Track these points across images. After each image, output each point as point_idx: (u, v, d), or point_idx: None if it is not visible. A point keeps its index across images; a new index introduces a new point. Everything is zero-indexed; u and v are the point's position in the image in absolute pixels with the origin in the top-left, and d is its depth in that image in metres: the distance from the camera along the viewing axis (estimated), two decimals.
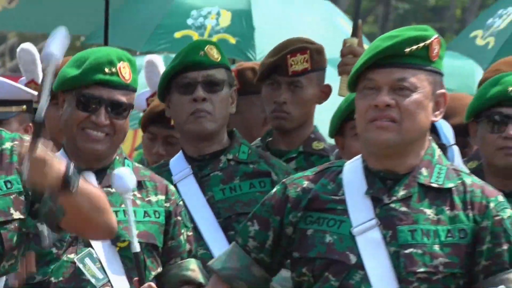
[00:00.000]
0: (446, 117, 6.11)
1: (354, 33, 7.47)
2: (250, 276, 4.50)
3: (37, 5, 13.44)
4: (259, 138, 7.57)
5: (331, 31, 12.96)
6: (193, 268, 5.46)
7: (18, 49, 9.48)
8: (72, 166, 4.41)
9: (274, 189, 4.73)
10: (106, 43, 10.55)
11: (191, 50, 6.54)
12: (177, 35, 12.85)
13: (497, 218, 4.38)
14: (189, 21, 12.82)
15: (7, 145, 4.81)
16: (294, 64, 6.86)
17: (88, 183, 4.62)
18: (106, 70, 5.33)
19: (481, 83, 7.09)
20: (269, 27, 12.35)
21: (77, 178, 4.43)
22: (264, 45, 11.06)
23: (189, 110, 6.16)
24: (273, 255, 4.48)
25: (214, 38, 12.88)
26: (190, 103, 6.16)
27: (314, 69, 7.07)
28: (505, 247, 4.35)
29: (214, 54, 6.40)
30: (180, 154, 6.15)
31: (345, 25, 13.82)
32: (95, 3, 10.95)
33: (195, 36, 13.08)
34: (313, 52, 7.18)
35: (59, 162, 4.37)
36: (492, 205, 4.38)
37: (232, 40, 13.10)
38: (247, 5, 12.74)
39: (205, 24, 12.73)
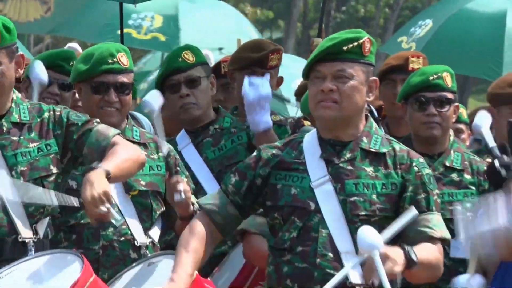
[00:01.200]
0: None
1: (319, 35, 8.32)
2: (226, 212, 5.08)
3: (68, 13, 14.67)
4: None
5: (242, 36, 13.62)
6: (193, 202, 5.92)
7: (66, 47, 10.23)
8: None
9: (253, 153, 5.38)
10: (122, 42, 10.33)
11: (172, 59, 7.35)
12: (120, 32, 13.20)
13: (418, 173, 5.11)
14: (130, 22, 14.20)
15: (46, 115, 5.47)
16: (271, 60, 7.67)
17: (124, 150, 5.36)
18: (109, 61, 6.06)
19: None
20: (192, 29, 13.87)
21: None
22: (187, 42, 11.00)
23: (179, 105, 6.96)
24: (245, 199, 5.09)
25: (148, 36, 14.70)
26: (178, 99, 6.94)
27: (279, 65, 7.94)
28: (423, 195, 5.06)
29: (189, 57, 7.09)
30: (182, 130, 6.93)
31: (252, 31, 15.56)
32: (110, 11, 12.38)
33: (134, 34, 14.50)
34: (282, 53, 8.10)
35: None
36: (414, 164, 5.11)
37: (162, 38, 14.80)
38: (175, 12, 14.43)
39: (142, 24, 14.26)
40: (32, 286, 5.00)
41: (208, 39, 13.58)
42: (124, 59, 6.38)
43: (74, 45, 7.83)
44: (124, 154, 5.24)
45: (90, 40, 15.23)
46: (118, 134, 5.46)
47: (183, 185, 5.75)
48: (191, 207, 5.92)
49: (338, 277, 4.75)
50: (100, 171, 4.95)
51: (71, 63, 7.12)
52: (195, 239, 5.00)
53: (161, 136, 6.24)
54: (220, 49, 14.75)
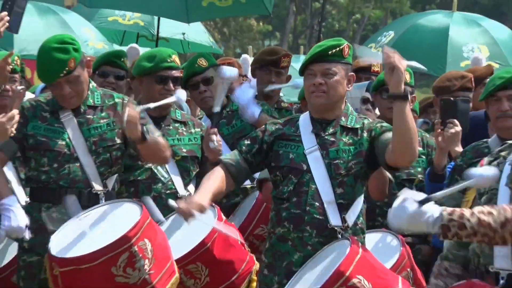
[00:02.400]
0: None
1: (318, 41, 8.21)
2: (239, 166, 5.05)
3: None
4: None
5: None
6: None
7: (127, 47, 9.59)
8: (145, 127, 5.30)
9: (262, 126, 5.40)
10: (157, 35, 10.18)
11: (190, 65, 7.09)
12: (109, 19, 13.19)
13: (377, 125, 5.08)
14: (116, 11, 12.89)
15: (117, 100, 5.59)
16: (283, 62, 7.40)
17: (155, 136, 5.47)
18: (168, 60, 6.10)
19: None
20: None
21: (148, 133, 5.33)
22: (161, 27, 10.21)
23: (199, 98, 6.97)
24: (254, 158, 5.08)
25: (131, 22, 13.23)
26: (198, 94, 6.94)
27: (289, 66, 7.63)
28: (383, 128, 5.01)
29: (203, 63, 6.90)
30: (204, 115, 6.97)
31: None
32: None
33: (120, 20, 13.34)
34: (291, 57, 7.87)
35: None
36: (373, 125, 5.08)
37: (141, 23, 13.47)
38: None
39: (126, 13, 12.83)
40: (103, 226, 5.09)
41: (177, 26, 12.31)
42: (177, 60, 6.42)
43: (134, 45, 7.57)
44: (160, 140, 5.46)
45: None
46: (158, 135, 5.60)
47: (216, 137, 5.77)
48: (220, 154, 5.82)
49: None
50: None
51: (122, 59, 7.18)
52: (215, 177, 5.00)
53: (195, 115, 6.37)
54: (183, 33, 13.75)
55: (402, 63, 4.73)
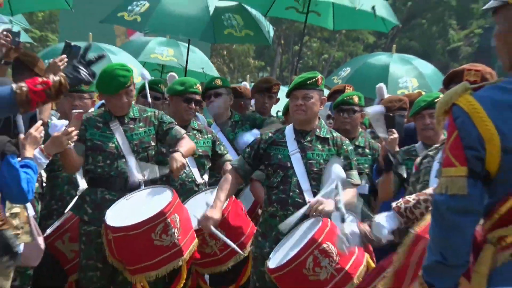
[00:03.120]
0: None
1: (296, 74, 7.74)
2: (244, 168, 5.00)
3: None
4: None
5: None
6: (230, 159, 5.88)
7: (168, 75, 8.80)
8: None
9: (259, 137, 5.39)
10: (186, 68, 9.71)
11: (209, 82, 6.94)
12: (151, 56, 11.71)
13: (345, 149, 5.06)
14: (129, 7, 10.42)
15: (149, 114, 5.46)
16: (274, 89, 7.21)
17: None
18: (194, 87, 5.93)
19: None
20: (162, 17, 9.20)
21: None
22: (154, 25, 9.25)
23: None
24: (253, 160, 5.02)
25: (168, 58, 11.25)
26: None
27: (278, 91, 7.41)
28: (347, 161, 4.98)
29: (218, 82, 6.77)
30: (214, 123, 6.67)
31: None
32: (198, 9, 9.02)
33: (159, 57, 11.58)
34: (280, 85, 7.61)
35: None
36: (343, 144, 5.06)
37: (175, 60, 11.81)
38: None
39: (134, 9, 10.21)
40: (144, 204, 5.09)
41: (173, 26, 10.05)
42: (199, 87, 6.23)
43: (173, 74, 7.33)
44: (188, 144, 5.34)
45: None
46: (185, 133, 5.55)
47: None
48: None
49: (300, 211, 4.62)
50: (178, 153, 5.07)
51: (159, 85, 7.08)
52: (227, 183, 4.98)
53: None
54: (202, 68, 12.14)
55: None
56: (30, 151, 3.53)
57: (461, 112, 2.13)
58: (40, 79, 3.46)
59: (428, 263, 2.23)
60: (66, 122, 4.94)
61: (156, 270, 4.93)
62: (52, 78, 3.44)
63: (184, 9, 8.21)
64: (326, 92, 7.03)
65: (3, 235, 3.97)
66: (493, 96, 2.14)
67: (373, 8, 7.26)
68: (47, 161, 4.48)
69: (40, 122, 3.76)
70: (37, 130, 3.70)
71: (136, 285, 5.02)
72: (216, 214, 4.85)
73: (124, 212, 5.04)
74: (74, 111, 4.79)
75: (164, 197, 5.07)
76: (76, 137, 4.72)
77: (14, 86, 3.39)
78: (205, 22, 8.02)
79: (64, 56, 4.86)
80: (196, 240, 5.11)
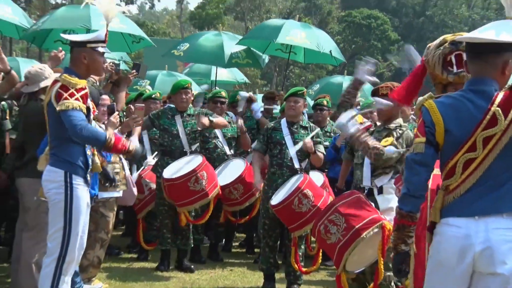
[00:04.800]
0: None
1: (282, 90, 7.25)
2: (262, 148, 4.74)
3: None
4: None
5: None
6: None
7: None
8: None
9: (265, 126, 5.05)
10: (215, 80, 8.51)
11: (216, 92, 6.01)
12: (172, 51, 8.86)
13: (316, 135, 4.75)
14: (178, 47, 8.66)
15: (196, 112, 5.13)
16: (277, 98, 6.35)
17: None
18: (219, 93, 5.70)
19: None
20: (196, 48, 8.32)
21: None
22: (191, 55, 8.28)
23: (216, 111, 5.65)
24: (265, 142, 4.73)
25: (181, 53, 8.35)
26: (216, 107, 5.73)
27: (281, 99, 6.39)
28: (317, 140, 4.70)
29: (222, 93, 5.91)
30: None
31: None
32: None
33: (175, 52, 8.38)
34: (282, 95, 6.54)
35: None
36: (316, 134, 4.74)
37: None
38: None
39: (180, 48, 8.52)
40: (187, 164, 4.95)
41: (202, 57, 8.46)
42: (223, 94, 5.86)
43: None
44: (220, 119, 5.13)
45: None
46: (219, 116, 5.29)
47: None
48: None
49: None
50: (206, 118, 4.94)
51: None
52: (259, 157, 4.82)
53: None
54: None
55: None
56: (111, 131, 3.35)
57: (424, 109, 2.12)
58: (122, 142, 3.22)
59: (401, 195, 2.18)
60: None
61: (192, 205, 4.87)
62: (129, 146, 3.26)
63: (208, 48, 7.94)
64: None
65: (104, 169, 3.90)
66: (443, 101, 2.12)
67: (330, 51, 7.26)
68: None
69: (116, 112, 3.63)
70: (114, 117, 3.53)
71: (181, 214, 4.91)
72: (258, 178, 4.76)
73: (174, 169, 4.88)
74: (137, 105, 4.46)
75: (197, 161, 4.93)
76: (140, 122, 4.33)
77: (107, 134, 3.15)
78: (221, 55, 7.77)
79: (134, 71, 4.83)
80: (218, 187, 4.96)
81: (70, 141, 3.13)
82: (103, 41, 3.26)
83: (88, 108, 3.16)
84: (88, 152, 3.24)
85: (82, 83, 3.12)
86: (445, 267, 2.05)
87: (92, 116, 3.28)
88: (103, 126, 3.86)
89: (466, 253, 2.00)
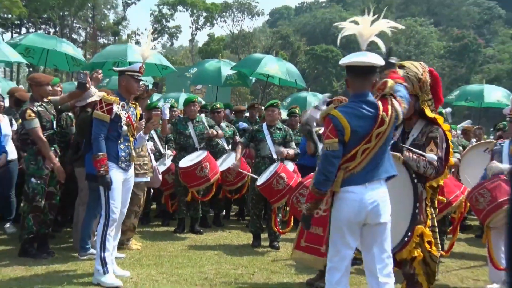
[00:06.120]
0: None
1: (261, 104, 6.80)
2: (246, 142, 4.55)
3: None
4: None
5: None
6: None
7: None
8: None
9: (250, 129, 4.75)
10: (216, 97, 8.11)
11: (213, 105, 5.68)
12: (185, 73, 8.81)
13: (289, 132, 4.49)
14: (189, 70, 8.68)
15: (202, 119, 4.88)
16: (256, 107, 6.25)
17: None
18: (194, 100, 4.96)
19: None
20: (201, 72, 8.13)
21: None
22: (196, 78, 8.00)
23: (217, 120, 5.48)
24: (250, 138, 4.51)
25: (191, 75, 8.20)
26: (214, 116, 5.48)
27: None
28: (289, 139, 4.49)
29: (218, 105, 5.66)
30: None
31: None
32: None
33: (187, 74, 8.43)
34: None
35: None
36: (287, 130, 4.53)
37: (202, 97, 9.65)
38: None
39: (190, 72, 8.48)
40: (196, 157, 4.72)
41: (204, 79, 8.22)
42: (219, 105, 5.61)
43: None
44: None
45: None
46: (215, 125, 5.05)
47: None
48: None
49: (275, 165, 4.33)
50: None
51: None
52: (239, 149, 4.56)
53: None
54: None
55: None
56: (138, 133, 3.41)
57: (333, 117, 2.09)
58: (101, 164, 3.04)
59: (318, 180, 2.10)
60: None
61: (199, 186, 4.72)
62: (101, 171, 3.07)
63: (210, 71, 7.82)
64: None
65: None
66: (345, 110, 2.10)
67: (295, 80, 7.14)
68: (146, 137, 4.00)
69: (143, 120, 3.51)
70: (139, 124, 3.44)
71: (190, 193, 4.76)
72: (238, 162, 4.56)
73: (186, 161, 4.73)
74: (154, 112, 4.16)
75: (203, 155, 4.75)
76: (156, 124, 4.05)
77: (100, 151, 3.01)
78: (218, 77, 7.67)
79: (155, 88, 4.59)
80: (218, 174, 4.76)
81: (107, 139, 3.13)
82: (138, 72, 3.28)
83: (118, 116, 3.15)
84: (122, 146, 3.19)
85: (110, 100, 3.15)
86: (345, 222, 2.08)
87: (124, 122, 3.20)
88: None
89: (362, 210, 2.06)
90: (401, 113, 2.13)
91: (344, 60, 2.10)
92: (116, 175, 3.14)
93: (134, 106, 3.38)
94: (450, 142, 2.51)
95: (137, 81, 3.28)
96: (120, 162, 3.17)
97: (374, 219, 2.07)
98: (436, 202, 2.56)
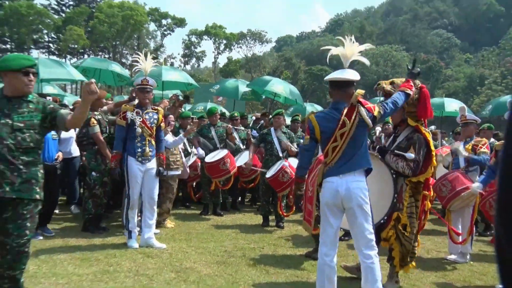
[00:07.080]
0: None
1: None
2: (258, 142, 4.22)
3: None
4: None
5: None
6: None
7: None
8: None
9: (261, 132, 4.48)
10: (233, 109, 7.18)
11: (211, 109, 4.98)
12: (209, 89, 8.37)
13: (292, 136, 4.25)
14: (213, 86, 7.99)
15: (224, 125, 4.69)
16: (267, 115, 5.95)
17: None
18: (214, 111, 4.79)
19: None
20: (222, 88, 7.63)
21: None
22: (218, 92, 7.60)
23: (214, 122, 4.86)
24: (261, 139, 4.26)
25: (214, 90, 7.73)
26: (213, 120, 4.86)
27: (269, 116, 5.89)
28: (291, 141, 4.18)
29: (215, 110, 4.94)
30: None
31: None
32: None
33: (211, 89, 7.85)
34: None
35: None
36: (290, 133, 4.27)
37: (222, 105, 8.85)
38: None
39: (214, 87, 7.88)
40: (218, 154, 4.53)
41: (226, 93, 7.62)
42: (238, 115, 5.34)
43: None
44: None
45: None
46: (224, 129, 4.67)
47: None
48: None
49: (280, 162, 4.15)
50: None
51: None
52: (252, 149, 4.38)
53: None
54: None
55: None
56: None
57: (309, 120, 2.15)
58: (112, 159, 3.13)
59: (297, 167, 2.25)
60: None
61: (221, 178, 4.55)
62: (111, 164, 3.18)
63: (229, 88, 7.61)
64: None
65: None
66: (319, 115, 2.13)
67: (295, 99, 7.00)
68: (184, 139, 3.90)
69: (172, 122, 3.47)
70: (170, 126, 3.43)
71: (213, 183, 4.60)
72: (251, 161, 4.41)
73: (211, 157, 4.58)
74: (196, 121, 3.92)
75: (224, 153, 4.59)
76: (194, 128, 3.91)
77: (113, 153, 3.09)
78: (236, 93, 7.50)
79: (185, 99, 4.46)
80: (236, 168, 4.56)
81: (128, 139, 3.18)
82: (141, 84, 3.17)
83: (132, 121, 3.12)
84: (138, 144, 3.17)
85: (125, 109, 3.16)
86: (326, 205, 2.11)
87: (137, 125, 3.15)
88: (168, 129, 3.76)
89: (337, 196, 2.07)
90: (368, 118, 2.07)
91: (328, 76, 2.12)
92: (134, 167, 3.14)
93: (156, 111, 3.27)
94: (431, 147, 2.48)
95: (142, 91, 3.18)
96: (137, 157, 3.16)
97: (349, 203, 2.06)
98: (421, 195, 2.50)
